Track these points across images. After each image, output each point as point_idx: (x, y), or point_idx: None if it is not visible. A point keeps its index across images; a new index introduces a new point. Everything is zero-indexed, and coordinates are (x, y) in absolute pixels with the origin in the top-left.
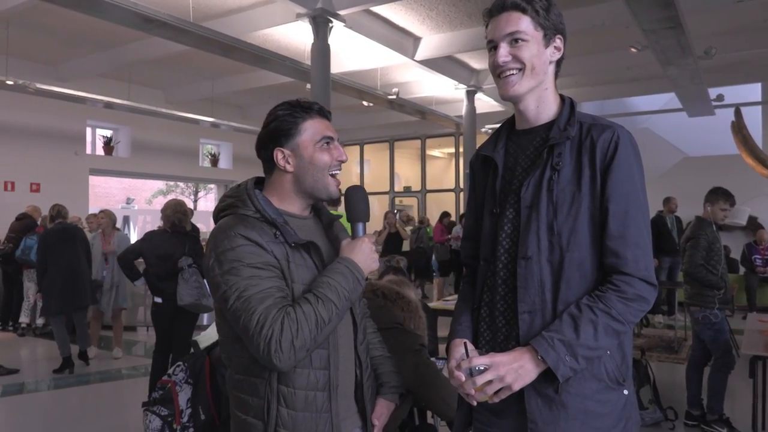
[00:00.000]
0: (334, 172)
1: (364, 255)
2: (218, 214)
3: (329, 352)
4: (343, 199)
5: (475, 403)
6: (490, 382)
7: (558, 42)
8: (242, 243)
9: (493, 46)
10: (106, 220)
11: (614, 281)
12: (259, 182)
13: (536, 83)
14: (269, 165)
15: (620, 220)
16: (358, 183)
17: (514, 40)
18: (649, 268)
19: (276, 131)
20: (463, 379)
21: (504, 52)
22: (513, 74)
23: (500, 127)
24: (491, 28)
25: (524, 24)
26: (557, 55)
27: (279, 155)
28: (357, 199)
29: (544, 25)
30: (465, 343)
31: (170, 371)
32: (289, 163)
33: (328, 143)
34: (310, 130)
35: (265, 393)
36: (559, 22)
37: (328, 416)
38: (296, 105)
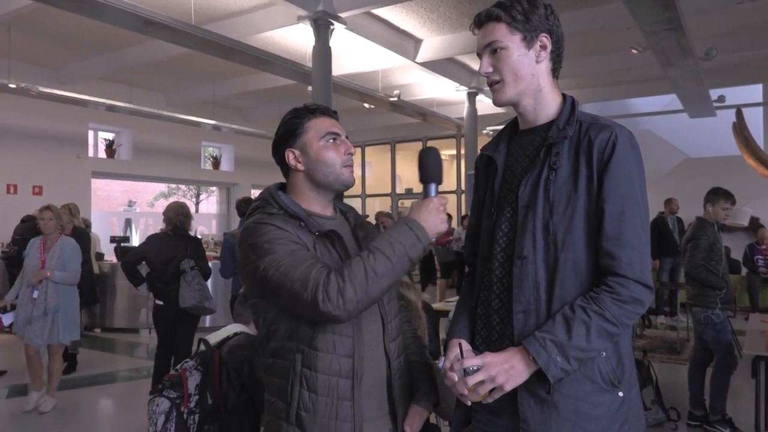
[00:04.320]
0: (346, 165)
1: (431, 214)
2: (247, 218)
3: (353, 340)
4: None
5: (469, 403)
6: (482, 382)
7: (544, 41)
8: (272, 229)
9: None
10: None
11: (609, 283)
12: (282, 187)
13: (524, 87)
14: (285, 168)
15: (616, 221)
16: (360, 185)
17: (493, 50)
18: (644, 270)
19: (284, 134)
20: (456, 379)
21: (486, 63)
22: (497, 83)
23: (504, 127)
24: (477, 42)
25: (500, 32)
26: (544, 55)
27: (290, 156)
28: (429, 160)
29: (522, 28)
30: (460, 344)
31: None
32: (299, 162)
33: (334, 139)
34: (315, 127)
35: (290, 375)
36: (545, 21)
37: (350, 404)
38: (302, 108)
